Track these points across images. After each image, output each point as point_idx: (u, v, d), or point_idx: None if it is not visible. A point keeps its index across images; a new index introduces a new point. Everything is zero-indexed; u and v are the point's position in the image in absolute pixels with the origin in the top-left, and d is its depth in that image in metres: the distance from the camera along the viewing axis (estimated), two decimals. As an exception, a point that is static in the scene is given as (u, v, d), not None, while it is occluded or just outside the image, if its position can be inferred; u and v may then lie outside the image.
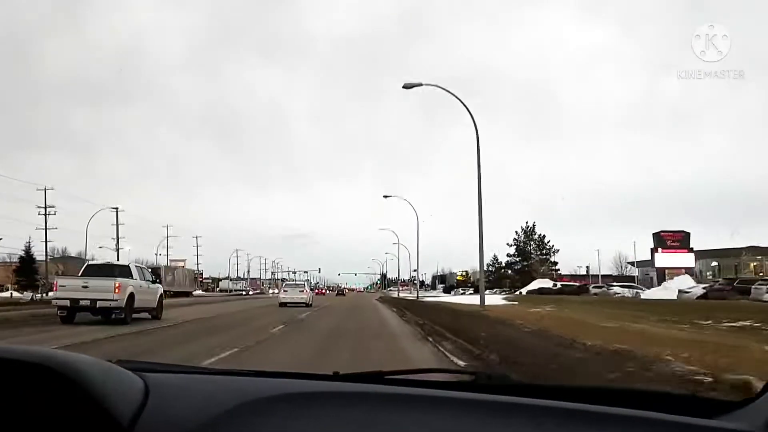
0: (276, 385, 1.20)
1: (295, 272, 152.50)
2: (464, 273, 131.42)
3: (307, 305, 31.12)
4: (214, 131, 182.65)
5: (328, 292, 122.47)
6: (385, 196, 53.16)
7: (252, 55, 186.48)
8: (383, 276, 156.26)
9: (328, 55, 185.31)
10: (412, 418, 1.07)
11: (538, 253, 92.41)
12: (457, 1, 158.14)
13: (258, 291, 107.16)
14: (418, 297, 55.03)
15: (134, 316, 17.73)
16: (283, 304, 30.48)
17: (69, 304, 16.94)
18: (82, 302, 16.81)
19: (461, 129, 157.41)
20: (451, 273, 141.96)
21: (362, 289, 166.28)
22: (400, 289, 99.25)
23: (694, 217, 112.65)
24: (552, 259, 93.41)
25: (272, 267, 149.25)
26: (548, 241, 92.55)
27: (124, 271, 18.43)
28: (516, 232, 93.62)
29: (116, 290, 16.80)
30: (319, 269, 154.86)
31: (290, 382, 1.25)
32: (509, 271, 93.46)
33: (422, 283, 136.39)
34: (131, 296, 17.43)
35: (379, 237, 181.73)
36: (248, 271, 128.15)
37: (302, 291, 33.27)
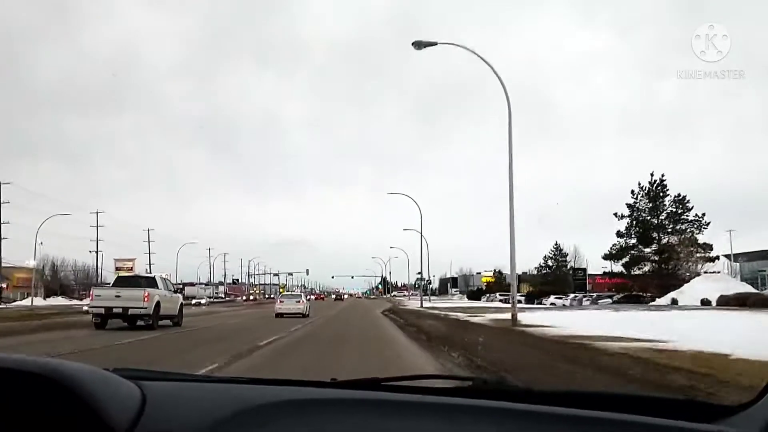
0: (273, 393, 1.21)
1: (277, 274, 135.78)
2: (495, 273, 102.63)
3: (304, 316, 30.81)
4: (206, 136, 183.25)
5: (326, 298, 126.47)
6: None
7: (246, 61, 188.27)
8: (384, 280, 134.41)
9: (323, 61, 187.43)
10: (408, 424, 1.08)
11: (672, 227, 52.05)
12: (452, 6, 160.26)
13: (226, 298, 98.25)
14: (516, 320, 19.56)
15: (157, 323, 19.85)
16: (279, 315, 30.44)
17: (103, 312, 19.08)
18: (115, 310, 18.95)
19: (460, 127, 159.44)
20: (472, 274, 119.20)
21: (360, 295, 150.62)
22: (407, 295, 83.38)
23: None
24: (702, 240, 51.04)
25: (254, 269, 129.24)
26: (691, 206, 51.85)
27: (150, 282, 20.63)
28: (632, 192, 53.35)
29: (145, 299, 18.97)
30: (307, 271, 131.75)
31: (287, 390, 1.27)
32: (623, 262, 54.42)
33: (425, 287, 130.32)
34: (158, 305, 19.55)
35: (375, 240, 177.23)
36: (224, 275, 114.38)
37: (299, 302, 33.11)
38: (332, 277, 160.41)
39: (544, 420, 1.09)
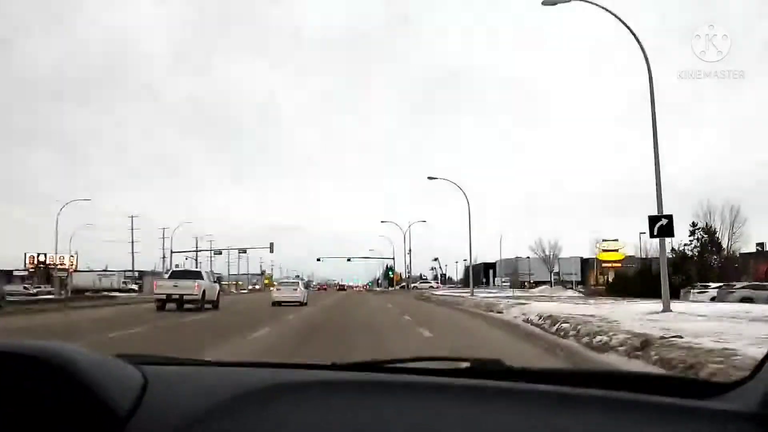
0: (273, 375, 1.23)
1: (220, 252, 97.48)
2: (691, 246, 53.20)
3: (302, 304, 31.78)
4: (195, 121, 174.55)
5: (328, 288, 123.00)
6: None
7: (241, 49, 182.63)
8: (389, 269, 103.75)
9: (317, 49, 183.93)
10: (408, 405, 1.10)
11: None
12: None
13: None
14: None
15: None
16: (276, 303, 31.20)
17: (164, 298, 25.36)
18: (173, 296, 25.21)
19: (457, 117, 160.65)
20: (556, 254, 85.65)
21: (362, 288, 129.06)
22: (435, 286, 75.17)
23: (689, 212, 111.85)
24: None
25: (210, 246, 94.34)
26: None
27: (198, 274, 27.04)
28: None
29: (196, 288, 25.24)
30: (271, 246, 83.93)
31: (288, 372, 1.29)
32: None
33: (442, 277, 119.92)
34: (204, 292, 25.75)
35: (373, 231, 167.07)
36: (171, 254, 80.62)
37: (296, 290, 34.02)
38: (318, 260, 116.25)
39: (541, 399, 1.10)
